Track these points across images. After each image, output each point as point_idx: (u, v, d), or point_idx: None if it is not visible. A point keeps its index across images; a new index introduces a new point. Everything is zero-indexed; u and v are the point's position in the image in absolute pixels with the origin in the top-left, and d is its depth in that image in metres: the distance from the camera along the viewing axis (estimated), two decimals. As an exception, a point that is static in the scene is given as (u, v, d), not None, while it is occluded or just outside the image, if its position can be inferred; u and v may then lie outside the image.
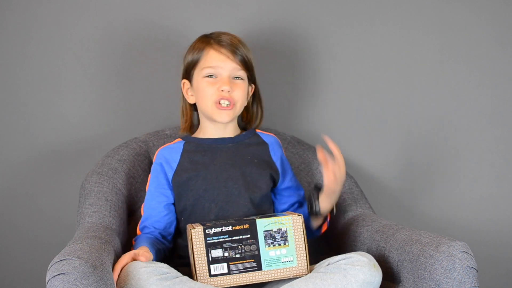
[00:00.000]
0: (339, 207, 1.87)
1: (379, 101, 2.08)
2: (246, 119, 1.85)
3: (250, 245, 1.56)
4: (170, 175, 1.73)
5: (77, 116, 2.02)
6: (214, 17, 2.02)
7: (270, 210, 1.75)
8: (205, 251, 1.54)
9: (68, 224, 1.97)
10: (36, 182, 2.01)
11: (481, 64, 2.09)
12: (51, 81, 2.01)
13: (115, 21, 2.00)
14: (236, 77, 1.74)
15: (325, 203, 1.70)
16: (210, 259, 1.54)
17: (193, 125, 1.84)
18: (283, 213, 1.68)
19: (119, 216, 1.74)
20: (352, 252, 1.55)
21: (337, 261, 1.54)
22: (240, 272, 1.55)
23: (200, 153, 1.75)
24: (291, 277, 1.57)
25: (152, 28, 2.01)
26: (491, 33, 2.09)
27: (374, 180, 2.08)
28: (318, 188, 1.71)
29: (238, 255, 1.55)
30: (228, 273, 1.55)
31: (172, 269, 1.51)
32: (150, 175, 1.76)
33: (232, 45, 1.74)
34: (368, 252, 1.68)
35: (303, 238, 1.57)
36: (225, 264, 1.55)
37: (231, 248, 1.55)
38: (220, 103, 1.71)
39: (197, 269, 1.53)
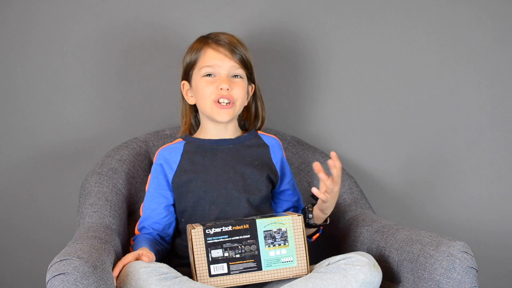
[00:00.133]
0: (339, 207, 1.87)
1: (379, 101, 2.08)
2: (246, 119, 1.84)
3: (250, 245, 1.56)
4: (170, 176, 1.73)
5: (77, 116, 2.02)
6: (214, 17, 2.02)
7: (270, 212, 1.75)
8: (205, 251, 1.54)
9: (68, 224, 1.97)
10: (36, 182, 2.01)
11: (481, 64, 2.09)
12: (51, 81, 2.01)
13: (115, 22, 2.00)
14: (235, 76, 1.74)
15: (319, 214, 1.69)
16: (210, 259, 1.54)
17: (193, 127, 1.83)
18: (283, 213, 1.68)
19: (119, 216, 1.74)
20: (352, 252, 1.55)
21: (337, 261, 1.54)
22: (240, 272, 1.55)
23: (200, 154, 1.74)
24: (291, 277, 1.57)
25: (152, 29, 2.01)
26: (491, 33, 2.09)
27: (374, 180, 2.07)
28: (313, 198, 1.69)
29: (238, 255, 1.55)
30: (228, 273, 1.55)
31: (172, 269, 1.51)
32: (150, 175, 1.76)
33: (230, 44, 1.74)
34: (368, 252, 1.68)
35: (303, 238, 1.57)
36: (225, 264, 1.55)
37: (231, 248, 1.55)
38: (219, 102, 1.71)
39: (197, 269, 1.53)
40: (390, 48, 2.07)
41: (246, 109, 1.83)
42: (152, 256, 1.53)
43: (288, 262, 1.56)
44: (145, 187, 1.79)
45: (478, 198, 2.10)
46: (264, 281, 1.57)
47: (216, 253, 1.54)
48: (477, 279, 1.49)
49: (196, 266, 1.53)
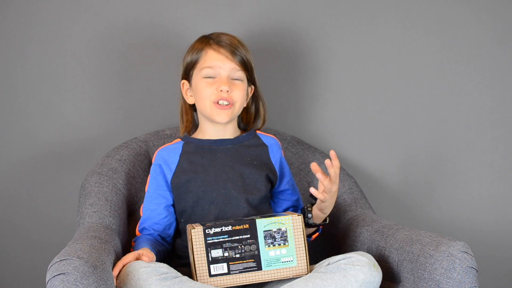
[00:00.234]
0: (339, 207, 1.87)
1: (379, 101, 2.08)
2: (246, 120, 1.84)
3: (250, 245, 1.56)
4: (169, 176, 1.73)
5: (77, 116, 2.02)
6: (214, 17, 2.02)
7: (269, 211, 1.75)
8: (205, 251, 1.54)
9: (68, 224, 1.97)
10: (36, 182, 2.01)
11: (481, 64, 2.09)
12: (51, 81, 2.01)
13: (115, 22, 2.00)
14: (235, 79, 1.74)
15: (318, 214, 1.69)
16: (210, 259, 1.54)
17: (193, 126, 1.83)
18: (283, 213, 1.68)
19: (119, 216, 1.74)
20: (352, 252, 1.55)
21: (337, 261, 1.54)
22: (240, 272, 1.55)
23: (199, 154, 1.74)
24: (291, 277, 1.57)
25: (152, 29, 2.01)
26: (491, 33, 2.09)
27: (374, 180, 2.07)
28: (313, 198, 1.69)
29: (238, 255, 1.55)
30: (228, 273, 1.55)
31: (172, 269, 1.51)
32: (149, 176, 1.76)
33: (231, 46, 1.73)
34: (368, 252, 1.68)
35: (303, 238, 1.57)
36: (225, 264, 1.55)
37: (231, 248, 1.55)
38: (218, 103, 1.71)
39: (197, 269, 1.53)
40: (390, 48, 2.07)
41: (245, 110, 1.83)
42: (152, 256, 1.53)
43: (288, 262, 1.56)
44: (145, 187, 1.79)
45: (478, 198, 2.10)
46: (264, 281, 1.57)
47: (216, 253, 1.54)
48: (477, 279, 1.49)
49: (196, 266, 1.53)
